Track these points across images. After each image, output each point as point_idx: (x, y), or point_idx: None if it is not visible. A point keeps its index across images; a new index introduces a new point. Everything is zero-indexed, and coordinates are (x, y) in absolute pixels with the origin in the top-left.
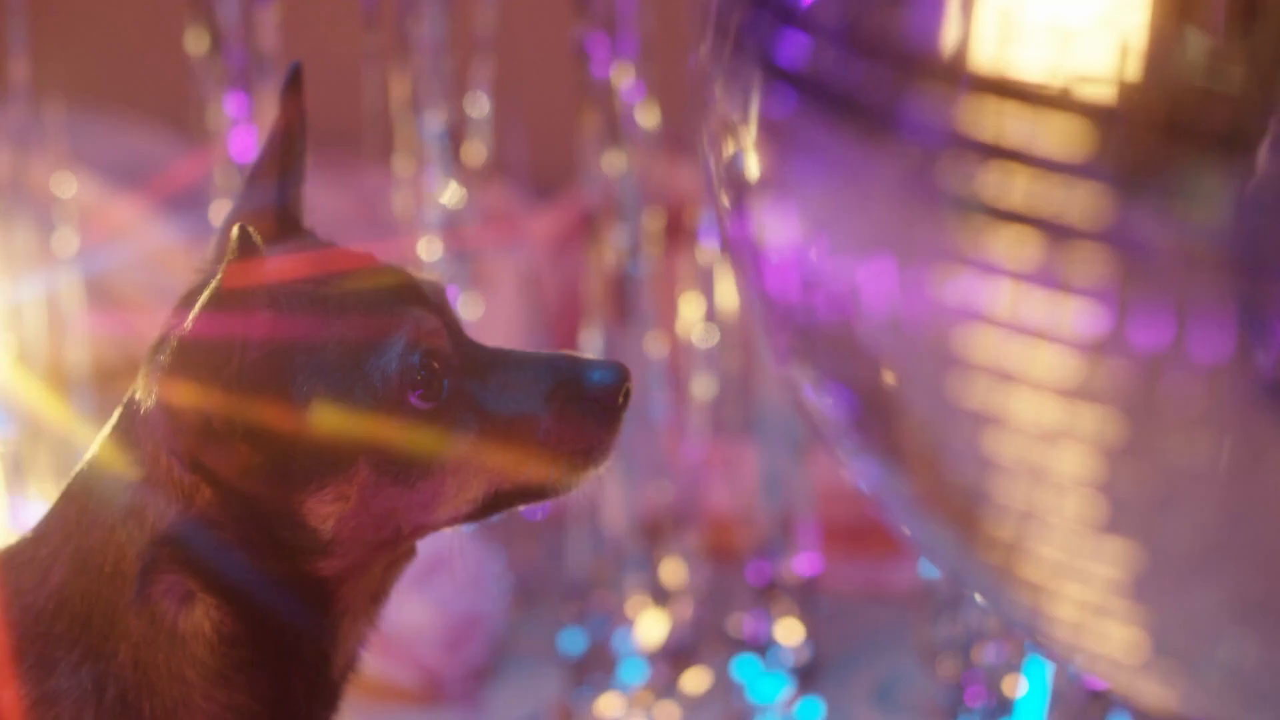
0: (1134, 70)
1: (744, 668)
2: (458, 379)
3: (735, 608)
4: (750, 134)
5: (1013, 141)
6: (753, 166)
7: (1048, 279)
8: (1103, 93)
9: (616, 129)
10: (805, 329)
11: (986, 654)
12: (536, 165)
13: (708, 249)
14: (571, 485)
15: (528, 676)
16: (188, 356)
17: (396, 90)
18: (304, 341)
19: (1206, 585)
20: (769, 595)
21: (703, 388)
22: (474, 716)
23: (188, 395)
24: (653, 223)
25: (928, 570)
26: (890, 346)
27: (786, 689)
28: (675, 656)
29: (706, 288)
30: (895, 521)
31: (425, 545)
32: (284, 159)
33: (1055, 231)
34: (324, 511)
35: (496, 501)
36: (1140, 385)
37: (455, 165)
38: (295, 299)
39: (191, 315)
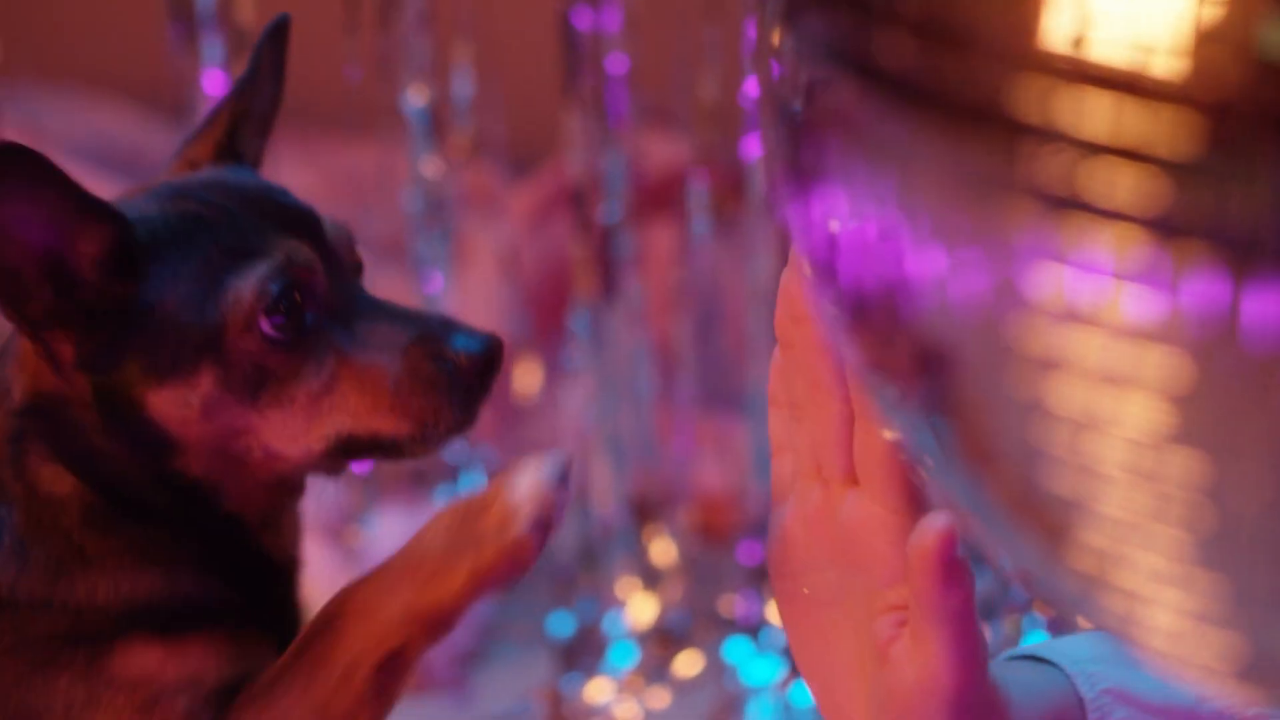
0: (1218, 54)
1: (736, 650)
2: (323, 317)
3: (727, 589)
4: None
5: (1085, 129)
6: (809, 152)
7: (1142, 275)
8: (1184, 76)
9: (600, 103)
10: (880, 330)
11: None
12: (516, 141)
13: (697, 224)
14: (423, 448)
15: (515, 661)
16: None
17: (377, 66)
18: (168, 241)
19: None
20: (761, 576)
21: (691, 365)
22: (461, 702)
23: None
24: (639, 198)
25: None
26: (969, 348)
27: (780, 671)
28: (666, 639)
29: (696, 263)
30: (977, 535)
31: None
32: (239, 100)
33: (1143, 225)
34: (167, 410)
35: (349, 447)
36: (1246, 384)
37: (436, 142)
38: (167, 194)
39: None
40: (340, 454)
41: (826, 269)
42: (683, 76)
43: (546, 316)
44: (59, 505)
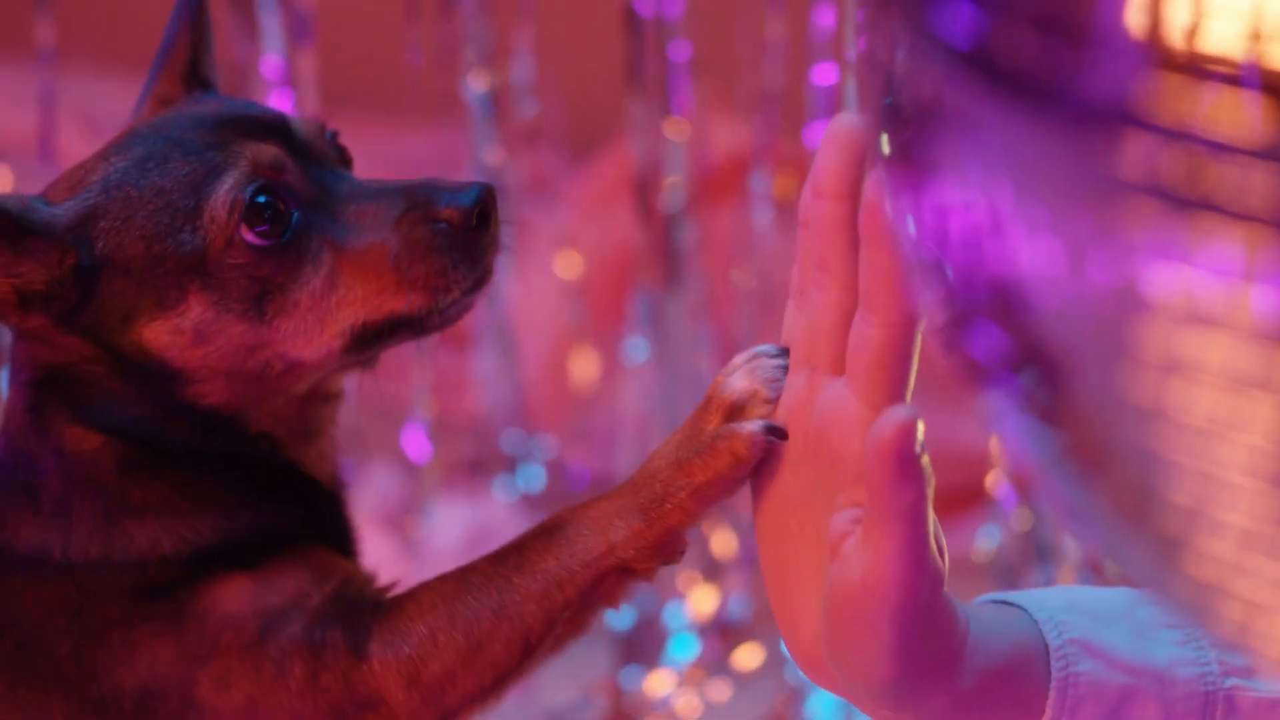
0: None
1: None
2: (308, 212)
3: None
4: (916, 108)
5: (1196, 122)
6: (921, 146)
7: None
8: None
9: (664, 89)
10: (992, 329)
11: None
12: (577, 127)
13: (759, 213)
14: (442, 316)
15: (574, 654)
16: None
17: (436, 52)
18: (111, 193)
19: None
20: None
21: None
22: (520, 696)
23: None
24: (701, 185)
25: (986, 539)
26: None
27: None
28: (726, 632)
29: (757, 251)
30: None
31: (472, 517)
32: (192, 29)
33: (1243, 218)
34: (163, 341)
35: (367, 335)
36: None
37: (497, 127)
38: (118, 145)
39: None
40: (361, 344)
41: (936, 266)
42: (746, 63)
43: (606, 305)
44: (92, 460)
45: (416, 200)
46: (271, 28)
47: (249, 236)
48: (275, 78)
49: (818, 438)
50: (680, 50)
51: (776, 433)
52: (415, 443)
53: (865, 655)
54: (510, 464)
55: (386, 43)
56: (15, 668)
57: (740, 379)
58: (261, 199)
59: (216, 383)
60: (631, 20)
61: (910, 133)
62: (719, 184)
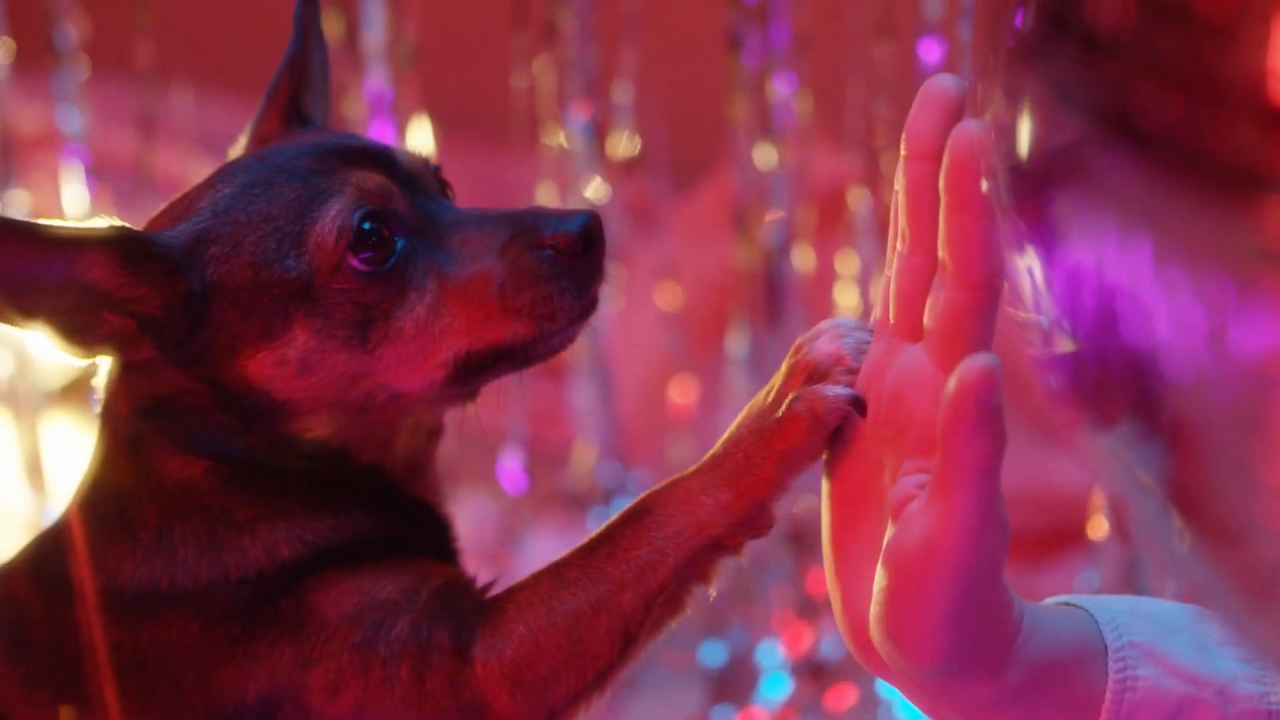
0: None
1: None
2: (413, 240)
3: None
4: (1048, 170)
5: None
6: (1048, 203)
7: None
8: None
9: (767, 119)
10: (1122, 396)
11: None
12: (679, 156)
13: (863, 244)
14: (547, 345)
15: (668, 690)
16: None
17: (542, 80)
18: (219, 220)
19: None
20: None
21: None
22: None
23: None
24: (804, 216)
25: (1085, 580)
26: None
27: None
28: (819, 672)
29: (863, 284)
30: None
31: (564, 548)
32: (293, 70)
33: None
34: (268, 373)
35: (472, 366)
36: None
37: (599, 155)
38: (224, 173)
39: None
40: (465, 375)
41: (1063, 329)
42: (852, 94)
43: (706, 335)
44: (194, 486)
45: (522, 228)
46: (376, 54)
47: (355, 262)
48: (379, 103)
49: (891, 402)
50: (786, 80)
51: (857, 403)
52: (511, 474)
53: (916, 627)
54: (606, 497)
55: (492, 69)
56: (144, 709)
57: (825, 343)
58: (367, 225)
59: (320, 415)
60: (736, 49)
61: (1043, 192)
62: (823, 214)
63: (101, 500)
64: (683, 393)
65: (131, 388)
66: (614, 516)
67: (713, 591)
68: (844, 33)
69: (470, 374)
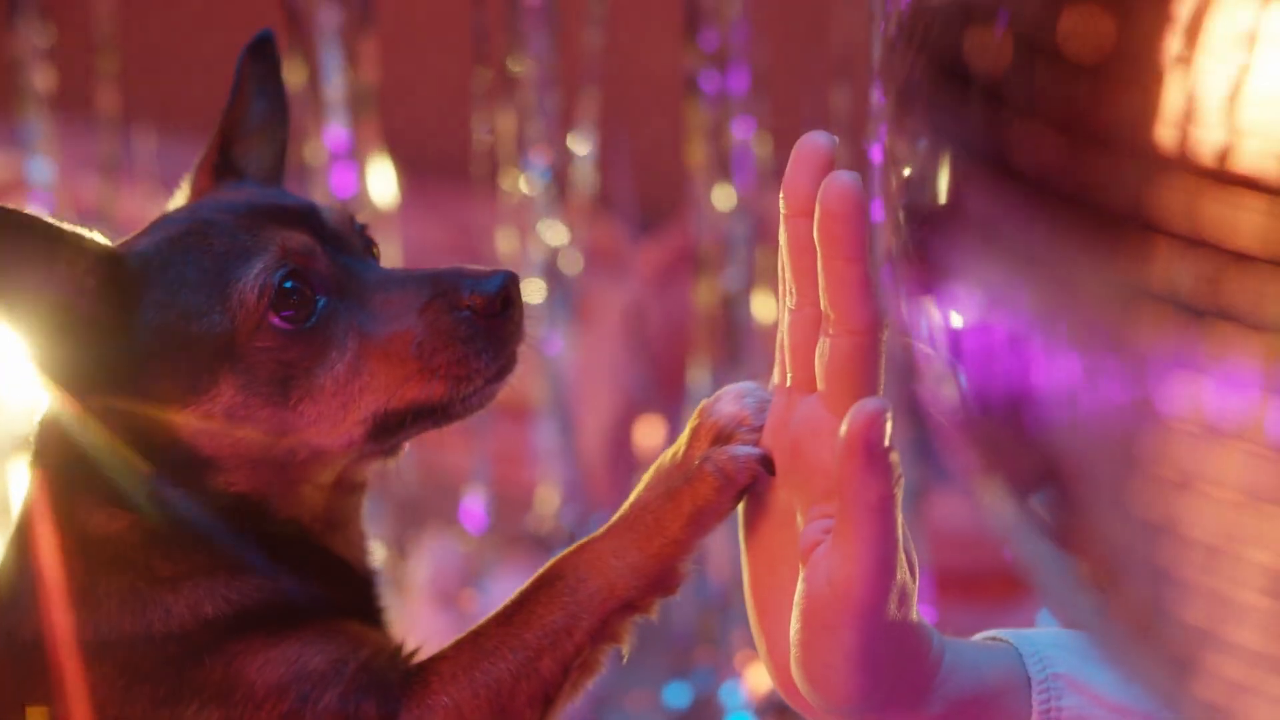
0: None
1: None
2: (335, 299)
3: None
4: (935, 211)
5: (1217, 232)
6: (932, 244)
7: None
8: None
9: (726, 164)
10: (1002, 439)
11: None
12: (642, 200)
13: None
14: (464, 405)
15: None
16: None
17: (502, 124)
18: (159, 266)
19: None
20: None
21: None
22: None
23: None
24: (763, 260)
25: (1044, 619)
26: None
27: None
28: (782, 712)
29: None
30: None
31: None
32: (227, 122)
33: (1261, 329)
34: (194, 427)
35: (389, 422)
36: None
37: (560, 200)
38: (157, 226)
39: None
40: (384, 432)
41: (948, 371)
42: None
43: (671, 375)
44: (118, 541)
45: (441, 288)
46: (335, 100)
47: (276, 321)
48: (339, 149)
49: (793, 453)
50: (744, 125)
51: (764, 462)
52: (474, 515)
53: (831, 668)
54: (570, 539)
55: (452, 114)
56: None
57: (727, 404)
58: (289, 284)
59: (243, 471)
60: (695, 93)
61: (932, 236)
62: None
63: (27, 552)
64: (647, 433)
65: (61, 436)
66: (527, 582)
67: (625, 651)
68: (802, 76)
69: (389, 431)
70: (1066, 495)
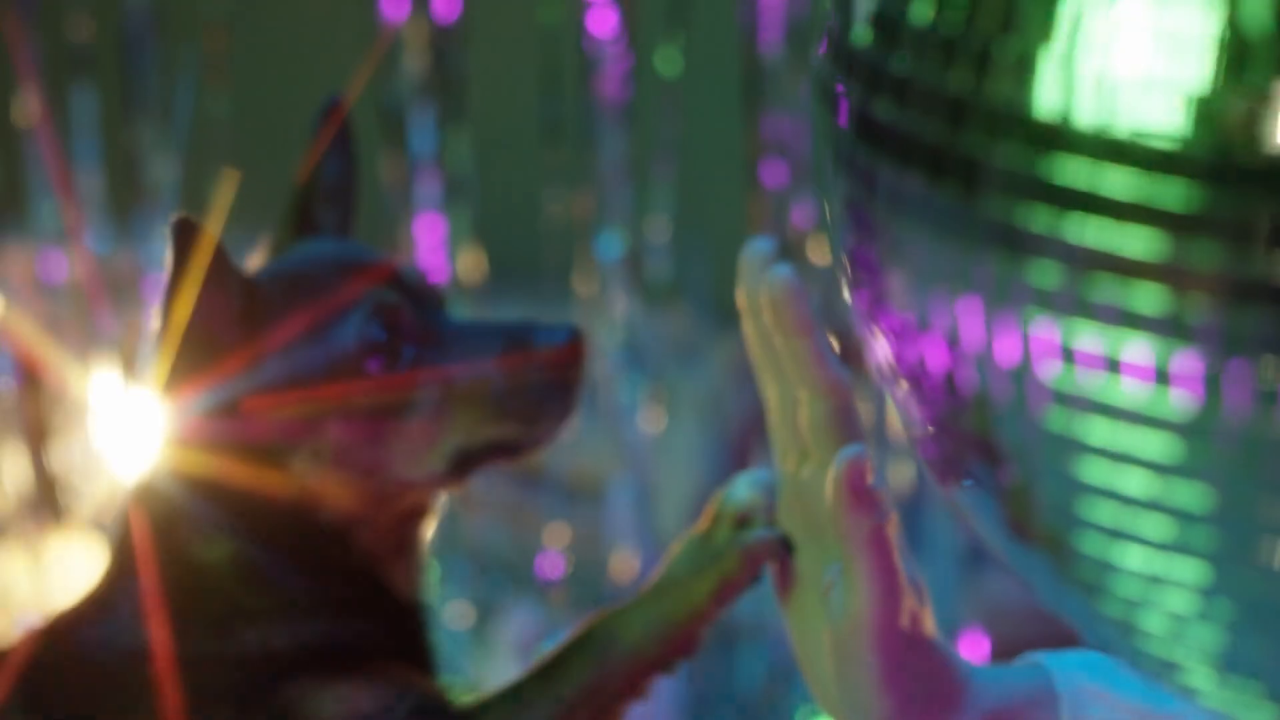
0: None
1: None
2: (419, 348)
3: None
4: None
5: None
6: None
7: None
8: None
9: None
10: (943, 414)
11: None
12: (720, 288)
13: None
14: (534, 443)
15: None
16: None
17: (577, 211)
18: (279, 300)
19: None
20: None
21: None
22: None
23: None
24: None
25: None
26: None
27: None
28: None
29: (878, 408)
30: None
31: None
32: (310, 178)
33: (1128, 270)
34: (301, 469)
35: (467, 457)
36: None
37: (636, 288)
38: (272, 267)
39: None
40: (461, 466)
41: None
42: None
43: (746, 460)
44: (212, 570)
45: (514, 340)
46: (428, 189)
47: (374, 367)
48: (431, 238)
49: (805, 516)
50: (804, 214)
51: (784, 543)
52: (553, 580)
53: (865, 692)
54: None
55: (528, 202)
56: None
57: (743, 490)
58: (382, 336)
59: (339, 504)
60: (755, 185)
61: (867, 268)
62: (844, 347)
63: (128, 569)
64: None
65: (170, 463)
66: (563, 641)
67: (646, 701)
68: None
69: (466, 465)
70: (1011, 479)
